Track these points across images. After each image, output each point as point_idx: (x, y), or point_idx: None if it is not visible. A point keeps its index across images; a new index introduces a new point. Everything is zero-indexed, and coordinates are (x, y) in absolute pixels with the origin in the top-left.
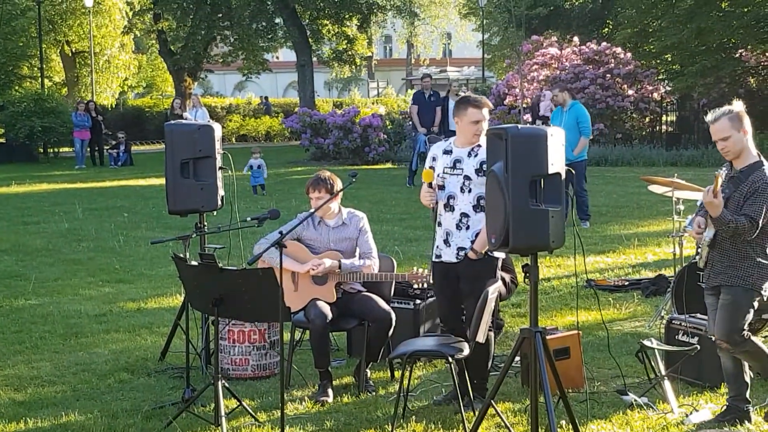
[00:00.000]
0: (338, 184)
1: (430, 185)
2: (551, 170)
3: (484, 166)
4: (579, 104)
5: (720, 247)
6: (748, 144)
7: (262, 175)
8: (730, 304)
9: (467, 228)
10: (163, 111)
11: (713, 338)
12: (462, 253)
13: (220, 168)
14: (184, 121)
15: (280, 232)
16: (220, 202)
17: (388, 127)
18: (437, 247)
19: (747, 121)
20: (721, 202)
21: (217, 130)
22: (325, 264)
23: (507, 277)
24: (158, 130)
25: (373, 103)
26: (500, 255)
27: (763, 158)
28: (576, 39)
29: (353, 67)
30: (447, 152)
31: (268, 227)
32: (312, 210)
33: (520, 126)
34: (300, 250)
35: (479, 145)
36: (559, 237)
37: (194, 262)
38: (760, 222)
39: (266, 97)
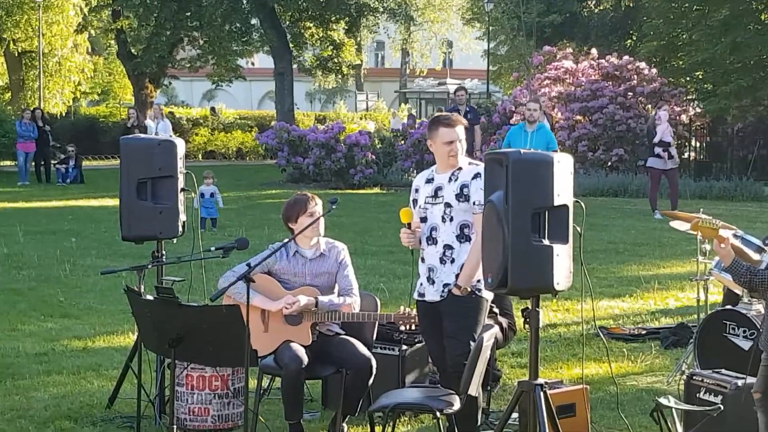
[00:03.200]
0: (320, 208)
1: (408, 226)
2: (557, 201)
3: (465, 190)
4: (545, 127)
5: None
6: None
7: (216, 206)
8: None
9: (452, 261)
10: (120, 122)
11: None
12: (446, 289)
13: (182, 189)
14: (142, 135)
15: (248, 265)
16: (181, 229)
17: (377, 147)
18: (420, 284)
19: None
20: (730, 251)
21: (180, 145)
22: (300, 301)
23: (505, 322)
24: (113, 144)
25: (361, 119)
26: (488, 296)
27: None
28: (594, 51)
29: (339, 76)
30: (429, 181)
31: (235, 258)
32: (286, 240)
33: (523, 151)
34: (271, 285)
35: (460, 168)
36: (564, 278)
37: (150, 296)
38: None
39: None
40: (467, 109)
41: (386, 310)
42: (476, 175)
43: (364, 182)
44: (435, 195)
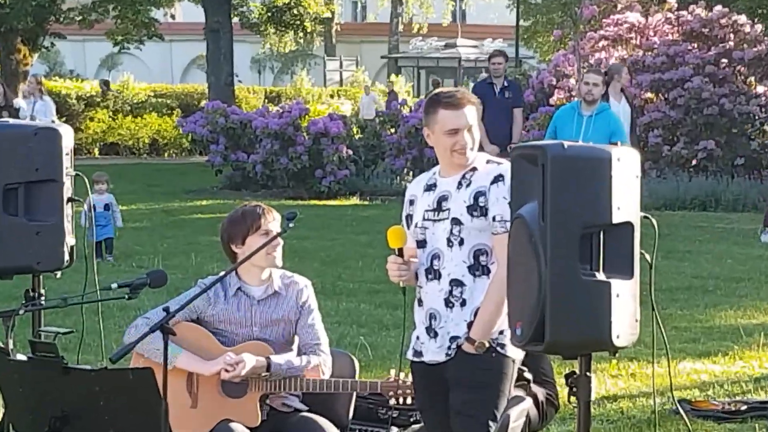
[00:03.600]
0: (278, 225)
1: (400, 252)
2: (618, 218)
3: (482, 200)
4: (610, 110)
5: None
6: None
7: (112, 224)
8: None
9: (462, 304)
10: None
11: None
12: (454, 345)
13: (71, 200)
14: (11, 121)
15: (167, 309)
16: (67, 257)
17: (356, 137)
18: (417, 338)
19: None
20: None
21: (67, 135)
22: (246, 363)
23: (541, 393)
24: None
25: (332, 97)
26: (516, 354)
27: None
28: None
29: (300, 35)
30: (429, 188)
31: (147, 300)
32: (223, 272)
33: (567, 143)
34: (202, 339)
35: (474, 169)
36: (627, 328)
37: (22, 356)
38: None
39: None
40: (505, 83)
41: (368, 375)
42: (497, 179)
43: (337, 189)
44: (438, 208)
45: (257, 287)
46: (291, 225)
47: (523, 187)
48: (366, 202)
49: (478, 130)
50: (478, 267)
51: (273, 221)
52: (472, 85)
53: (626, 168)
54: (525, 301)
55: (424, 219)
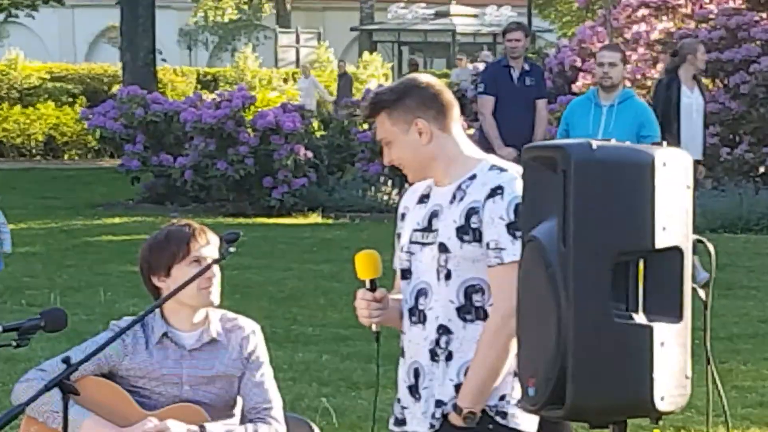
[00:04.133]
0: (214, 249)
1: (371, 286)
2: (662, 242)
3: (474, 219)
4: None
5: None
6: None
7: (4, 247)
8: None
9: (448, 358)
10: None
11: None
12: (440, 412)
13: None
14: None
15: (66, 361)
16: None
17: (315, 134)
18: (398, 401)
19: None
20: None
21: None
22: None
23: None
24: None
25: (285, 81)
26: (527, 425)
27: None
28: None
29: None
30: (423, 199)
31: (41, 349)
32: (144, 311)
33: (596, 143)
34: (116, 400)
35: (473, 176)
36: (675, 388)
37: None
38: None
39: None
40: (526, 67)
41: None
42: (495, 192)
43: (292, 204)
44: (427, 227)
45: (188, 333)
46: (232, 250)
47: (538, 200)
48: (330, 221)
49: (395, 146)
50: (470, 309)
51: (206, 245)
52: (480, 68)
53: (674, 176)
54: (540, 351)
55: (410, 241)
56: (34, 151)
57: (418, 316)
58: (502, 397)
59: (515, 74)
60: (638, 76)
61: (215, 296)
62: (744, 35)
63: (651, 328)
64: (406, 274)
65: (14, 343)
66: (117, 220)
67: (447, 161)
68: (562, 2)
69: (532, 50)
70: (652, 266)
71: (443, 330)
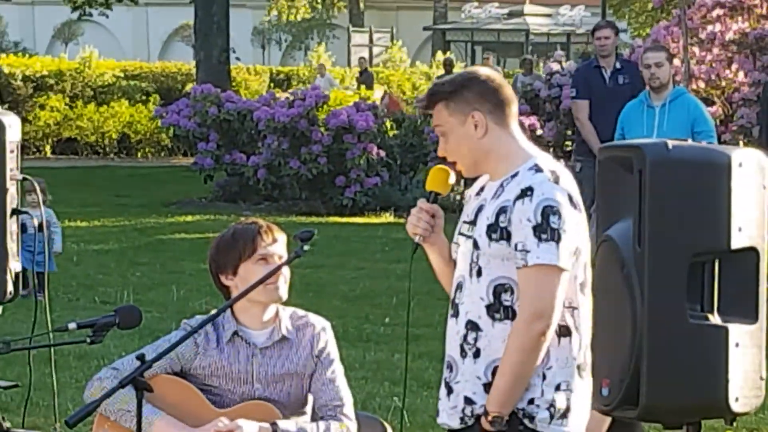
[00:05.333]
0: (283, 247)
1: (433, 199)
2: (738, 243)
3: (503, 218)
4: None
5: None
6: None
7: (53, 247)
8: None
9: (476, 355)
10: None
11: None
12: (470, 410)
13: (16, 212)
14: None
15: (141, 358)
16: (11, 287)
17: (388, 133)
18: (440, 392)
19: None
20: None
21: (12, 127)
22: (243, 430)
23: None
24: None
25: (357, 79)
26: (565, 427)
27: None
28: None
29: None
30: (480, 192)
31: (114, 346)
32: (216, 310)
33: (672, 143)
34: (188, 398)
35: (516, 174)
36: (750, 388)
37: None
38: None
39: None
40: (617, 65)
41: None
42: (525, 193)
43: (365, 203)
44: (473, 220)
45: (259, 331)
46: (306, 248)
47: (613, 200)
48: (402, 220)
49: (451, 137)
50: (499, 308)
51: (273, 243)
52: (553, 68)
53: (751, 176)
54: (614, 352)
55: (459, 232)
56: (107, 149)
57: (454, 308)
58: (531, 401)
59: (607, 74)
60: (713, 77)
61: (283, 291)
62: None
63: (726, 329)
64: (454, 264)
65: (88, 340)
66: (190, 218)
67: (499, 157)
68: (637, 2)
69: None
70: (728, 267)
71: (472, 326)
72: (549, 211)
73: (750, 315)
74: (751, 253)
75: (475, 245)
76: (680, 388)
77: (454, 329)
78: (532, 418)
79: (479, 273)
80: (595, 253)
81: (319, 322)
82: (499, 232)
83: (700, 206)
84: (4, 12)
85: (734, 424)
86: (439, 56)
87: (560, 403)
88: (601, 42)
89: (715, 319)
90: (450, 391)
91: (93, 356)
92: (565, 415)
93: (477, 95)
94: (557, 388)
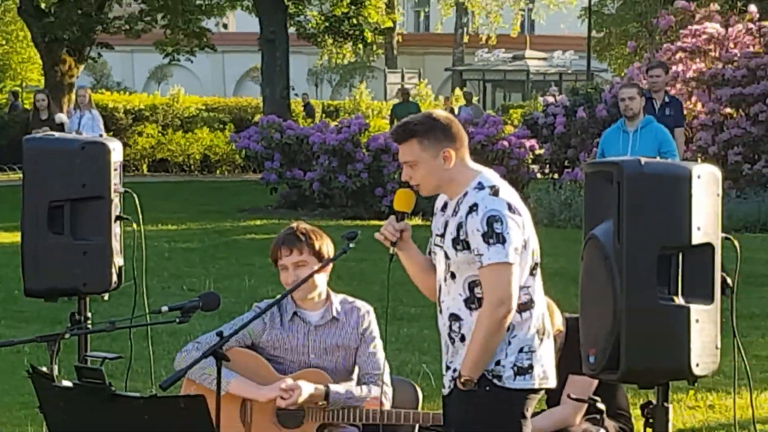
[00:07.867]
0: (327, 247)
1: (399, 218)
2: (697, 239)
3: (461, 232)
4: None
5: None
6: None
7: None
8: None
9: (461, 339)
10: (22, 113)
11: None
12: (452, 378)
13: (119, 218)
14: (57, 135)
15: (220, 334)
16: (116, 278)
17: None
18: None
19: None
20: None
21: (116, 150)
22: (303, 390)
23: (613, 427)
24: (13, 147)
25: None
26: (526, 383)
27: None
28: (753, 8)
29: (360, 46)
30: (443, 208)
31: (198, 325)
32: (280, 296)
33: (644, 160)
34: (256, 366)
35: (466, 193)
36: (707, 357)
37: (67, 383)
38: None
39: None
40: (666, 99)
41: (431, 405)
42: (472, 209)
43: None
44: (443, 233)
45: (314, 312)
46: (351, 245)
47: (598, 206)
48: (428, 222)
49: (422, 168)
50: (474, 300)
51: (288, 256)
52: (549, 101)
53: (707, 186)
54: (599, 327)
55: (434, 243)
56: (192, 167)
57: (439, 306)
58: (498, 362)
59: (656, 105)
60: None
61: (302, 291)
62: (762, 74)
63: (688, 309)
64: (432, 270)
65: (177, 320)
66: (258, 222)
67: (458, 182)
68: (615, 48)
69: (590, 86)
70: (689, 259)
71: (454, 318)
72: (492, 219)
73: (707, 297)
74: (708, 247)
75: (446, 256)
76: (652, 355)
77: (441, 322)
78: (500, 377)
79: (453, 276)
80: (583, 248)
81: (364, 307)
82: (461, 243)
83: (667, 210)
84: (109, 58)
85: (695, 384)
86: (458, 92)
87: (523, 363)
88: (653, 79)
89: (679, 300)
90: (447, 368)
91: (182, 333)
92: (527, 371)
93: (445, 134)
94: (520, 350)
